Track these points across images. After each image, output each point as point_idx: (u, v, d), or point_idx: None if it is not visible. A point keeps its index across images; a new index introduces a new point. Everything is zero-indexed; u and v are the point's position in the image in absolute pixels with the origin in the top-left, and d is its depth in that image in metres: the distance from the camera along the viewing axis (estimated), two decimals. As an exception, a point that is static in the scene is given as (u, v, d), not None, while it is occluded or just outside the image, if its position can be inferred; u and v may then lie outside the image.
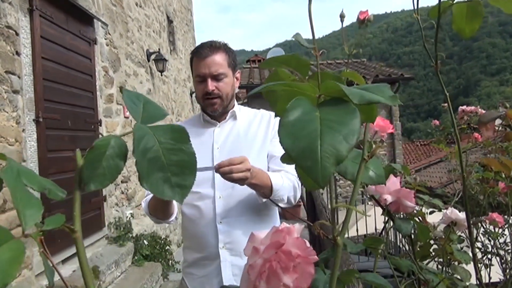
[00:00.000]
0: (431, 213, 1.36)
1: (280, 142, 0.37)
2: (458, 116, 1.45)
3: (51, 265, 0.35)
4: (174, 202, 1.34)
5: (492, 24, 79.25)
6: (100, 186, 0.37)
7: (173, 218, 1.36)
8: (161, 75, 6.57)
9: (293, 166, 0.96)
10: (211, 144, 1.40)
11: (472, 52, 79.64)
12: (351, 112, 0.38)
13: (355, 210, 0.46)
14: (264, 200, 1.29)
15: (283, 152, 0.41)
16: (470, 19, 0.52)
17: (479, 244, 1.58)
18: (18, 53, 2.76)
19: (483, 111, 1.39)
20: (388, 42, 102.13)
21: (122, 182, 4.62)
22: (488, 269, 1.49)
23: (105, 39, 4.42)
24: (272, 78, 0.51)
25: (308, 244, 0.40)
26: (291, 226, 0.41)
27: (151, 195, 1.33)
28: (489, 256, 1.54)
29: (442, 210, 1.20)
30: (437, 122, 1.99)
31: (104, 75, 4.34)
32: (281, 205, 1.31)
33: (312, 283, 0.46)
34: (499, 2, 0.48)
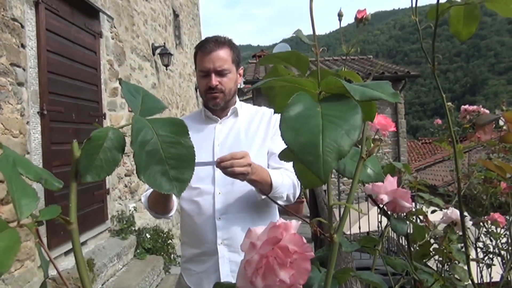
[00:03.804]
0: (432, 212, 1.35)
1: (282, 136, 0.37)
2: (461, 116, 1.43)
3: (47, 257, 0.35)
4: (174, 198, 1.34)
5: (501, 22, 78.26)
6: (97, 178, 0.37)
7: (172, 213, 1.36)
8: (166, 69, 6.57)
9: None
10: (212, 141, 1.40)
11: (480, 50, 78.72)
12: (352, 108, 0.38)
13: (352, 208, 0.46)
14: (263, 197, 1.29)
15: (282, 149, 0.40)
16: (467, 22, 0.52)
17: (480, 244, 1.57)
18: (23, 46, 2.77)
19: (486, 111, 1.37)
20: (396, 39, 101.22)
21: (125, 175, 4.64)
22: (490, 269, 1.49)
23: (111, 32, 4.43)
24: (271, 74, 0.51)
25: (304, 240, 0.40)
26: (288, 222, 0.41)
27: (151, 189, 1.33)
28: (491, 256, 1.53)
29: (443, 209, 1.19)
30: (439, 121, 1.98)
31: (109, 68, 4.35)
32: (280, 202, 1.31)
33: (307, 281, 0.46)
34: (496, 5, 0.48)
